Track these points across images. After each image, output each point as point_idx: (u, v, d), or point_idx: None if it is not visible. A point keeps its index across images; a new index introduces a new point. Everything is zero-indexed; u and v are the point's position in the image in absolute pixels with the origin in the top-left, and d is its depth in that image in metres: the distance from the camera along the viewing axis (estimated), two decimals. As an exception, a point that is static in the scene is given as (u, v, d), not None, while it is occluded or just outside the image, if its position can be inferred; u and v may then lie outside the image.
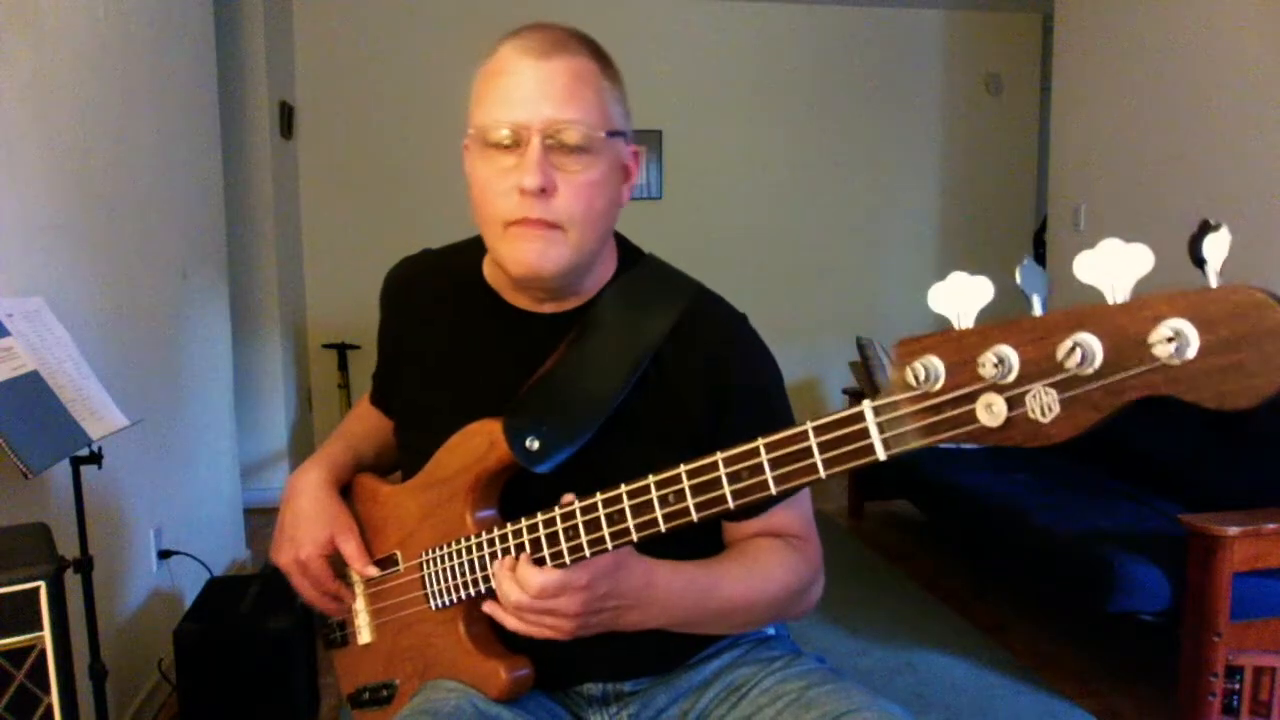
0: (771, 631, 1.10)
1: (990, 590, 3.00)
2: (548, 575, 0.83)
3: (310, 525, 1.06)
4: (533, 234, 0.90)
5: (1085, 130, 3.74)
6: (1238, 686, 1.99)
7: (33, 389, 1.45)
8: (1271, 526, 1.97)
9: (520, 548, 0.87)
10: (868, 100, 5.10)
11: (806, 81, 5.03)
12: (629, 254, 1.06)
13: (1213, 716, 1.98)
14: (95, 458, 1.63)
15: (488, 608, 0.91)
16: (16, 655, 1.12)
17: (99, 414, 1.59)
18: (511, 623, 0.87)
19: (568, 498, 0.84)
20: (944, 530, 3.55)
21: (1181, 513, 2.10)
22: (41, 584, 1.13)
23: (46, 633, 1.13)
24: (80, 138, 1.99)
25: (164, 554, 2.39)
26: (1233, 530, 1.94)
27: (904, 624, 2.74)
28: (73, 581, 1.41)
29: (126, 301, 2.22)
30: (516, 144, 0.89)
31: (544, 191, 0.88)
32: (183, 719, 2.02)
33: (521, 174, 0.88)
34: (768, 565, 0.97)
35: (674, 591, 0.91)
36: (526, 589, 0.83)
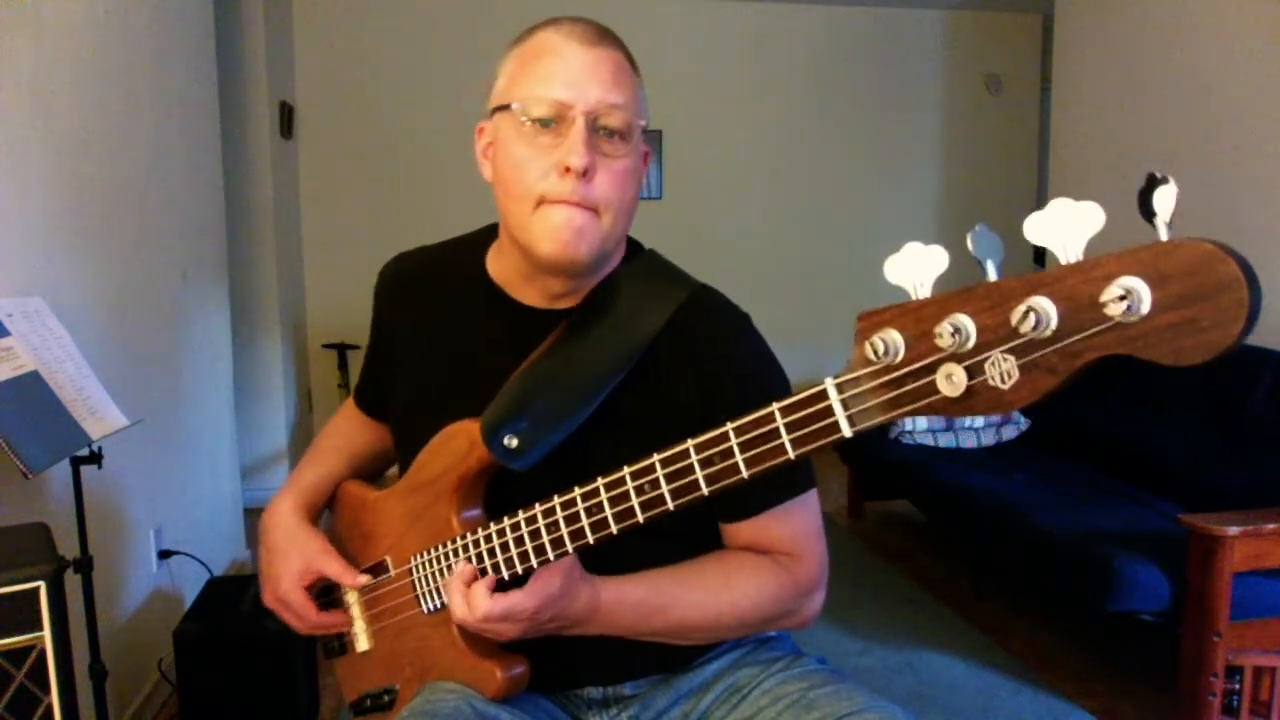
0: (773, 633, 1.10)
1: (990, 590, 3.00)
2: (494, 603, 0.85)
3: (283, 560, 1.06)
4: (570, 210, 0.89)
5: (1085, 130, 3.74)
6: (1238, 686, 1.99)
7: (33, 389, 1.45)
8: (1271, 526, 1.97)
9: (492, 551, 0.89)
10: (868, 100, 5.10)
11: (806, 81, 5.03)
12: (632, 250, 1.05)
13: (1213, 716, 1.98)
14: (95, 458, 1.63)
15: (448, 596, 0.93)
16: (16, 655, 1.12)
17: (99, 414, 1.58)
18: (457, 621, 0.91)
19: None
20: (944, 530, 3.55)
21: (1181, 513, 2.10)
22: (41, 584, 1.13)
23: (46, 633, 1.14)
24: (80, 138, 1.98)
25: (164, 554, 2.39)
26: (1233, 530, 1.94)
27: (904, 624, 2.74)
28: (73, 581, 1.41)
29: (126, 301, 2.22)
30: (558, 122, 0.89)
31: (586, 173, 0.88)
32: (183, 719, 2.02)
33: (565, 153, 0.87)
34: (739, 584, 0.96)
35: (618, 614, 0.92)
36: (473, 611, 0.86)
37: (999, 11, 5.13)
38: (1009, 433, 3.39)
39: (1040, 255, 4.54)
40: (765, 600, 0.96)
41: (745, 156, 5.02)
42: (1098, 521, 2.42)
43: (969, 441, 3.35)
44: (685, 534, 0.99)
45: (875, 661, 2.50)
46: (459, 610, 0.87)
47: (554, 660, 0.98)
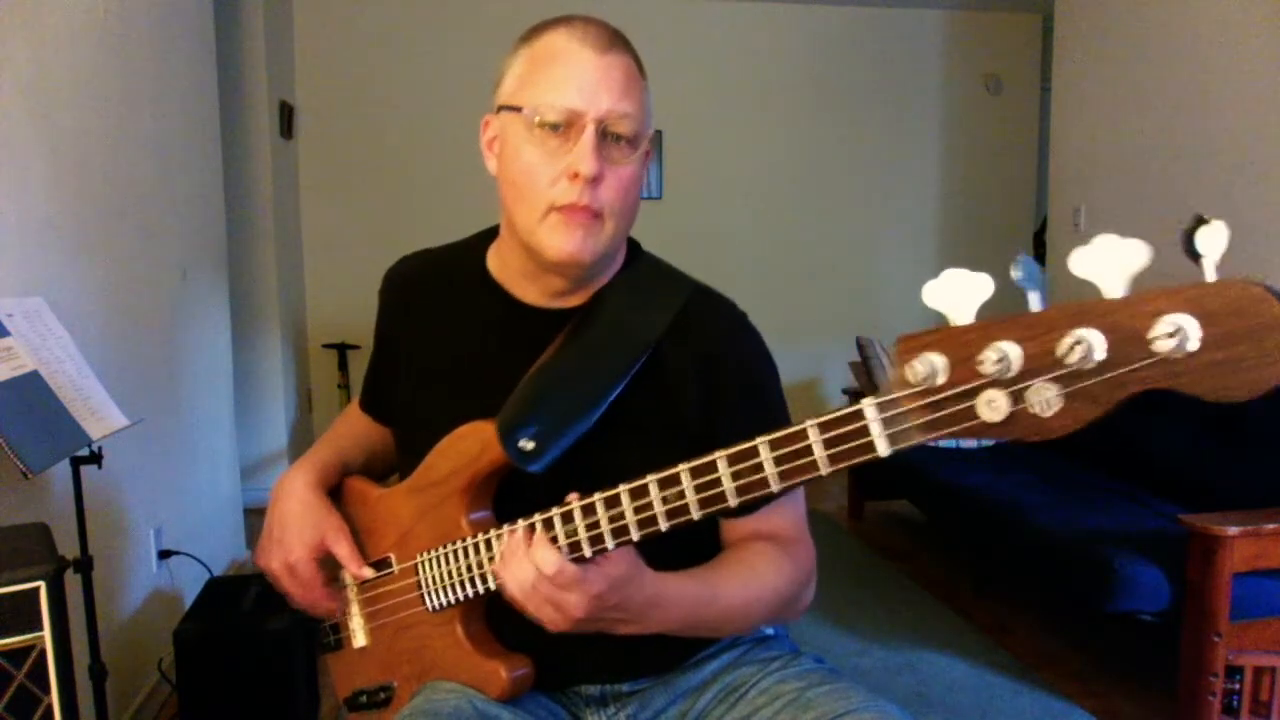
0: (770, 631, 1.10)
1: (990, 590, 3.00)
2: (566, 564, 0.79)
3: (299, 528, 1.05)
4: (577, 221, 0.91)
5: (1085, 130, 3.74)
6: (1238, 686, 1.99)
7: (33, 389, 1.45)
8: (1271, 526, 1.97)
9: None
10: (868, 100, 5.10)
11: (806, 81, 5.03)
12: (632, 251, 1.06)
13: (1213, 716, 1.98)
14: (95, 458, 1.63)
15: (495, 568, 0.87)
16: (16, 655, 1.12)
17: (99, 414, 1.59)
18: (514, 593, 0.84)
19: (571, 497, 0.82)
20: (944, 530, 3.55)
21: (1181, 513, 2.10)
22: (41, 584, 1.13)
23: (46, 633, 1.13)
24: (80, 138, 1.98)
25: (164, 554, 2.39)
26: (1233, 530, 1.94)
27: (904, 624, 2.74)
28: (73, 581, 1.41)
29: (126, 301, 2.22)
30: (568, 127, 0.90)
31: (595, 179, 0.90)
32: (182, 719, 2.02)
33: (575, 160, 0.89)
34: (763, 572, 0.96)
35: (675, 607, 0.90)
36: (543, 568, 0.80)
37: (999, 11, 5.13)
38: (1009, 433, 3.38)
39: (1042, 261, 4.54)
40: (782, 582, 0.97)
41: (745, 156, 5.02)
42: (1098, 521, 2.42)
43: (969, 441, 3.35)
44: (689, 534, 0.99)
45: (875, 661, 2.50)
46: (528, 576, 0.80)
47: (553, 658, 0.98)
